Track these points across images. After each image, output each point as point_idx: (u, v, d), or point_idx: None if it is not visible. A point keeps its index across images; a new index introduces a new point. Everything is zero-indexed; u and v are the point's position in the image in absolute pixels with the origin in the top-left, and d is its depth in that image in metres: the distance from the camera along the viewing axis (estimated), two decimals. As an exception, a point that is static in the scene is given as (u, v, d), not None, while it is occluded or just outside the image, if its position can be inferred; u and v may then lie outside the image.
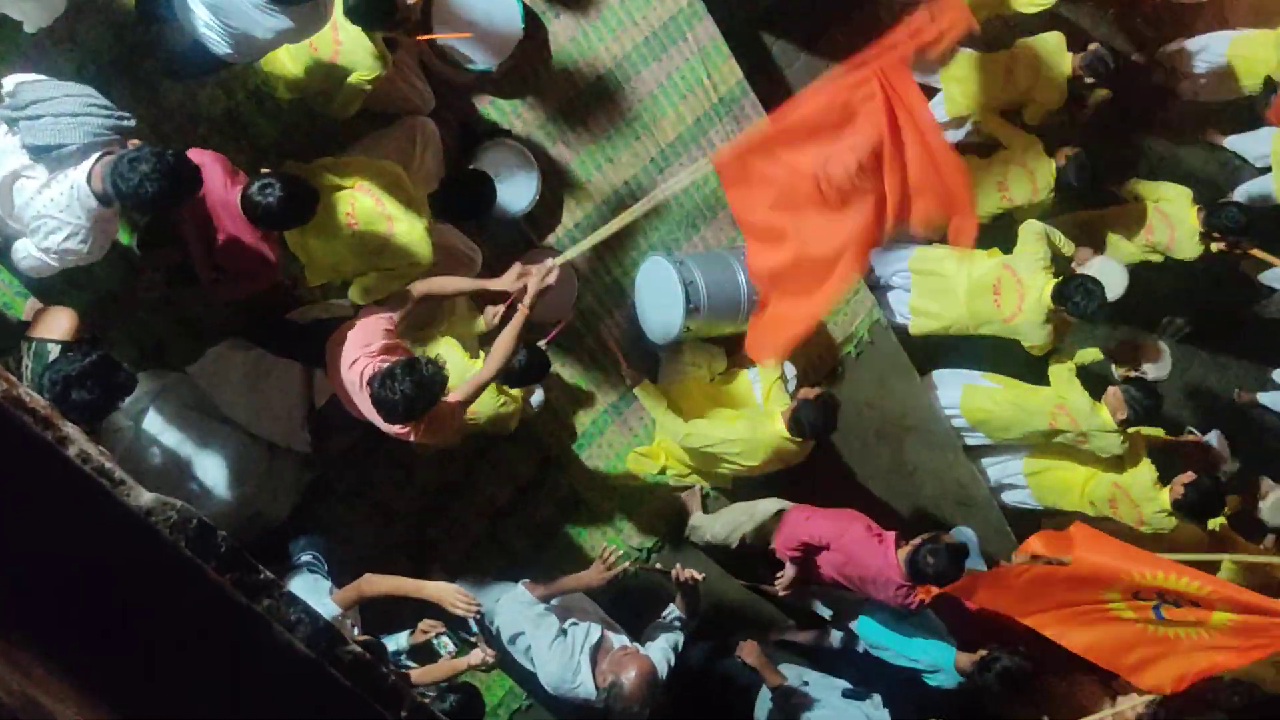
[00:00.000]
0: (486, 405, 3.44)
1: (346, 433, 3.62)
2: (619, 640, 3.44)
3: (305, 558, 3.34)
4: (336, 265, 3.48)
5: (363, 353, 2.93)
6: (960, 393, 4.71)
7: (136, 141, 2.74)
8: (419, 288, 3.11)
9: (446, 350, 3.45)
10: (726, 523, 4.13)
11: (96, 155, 2.61)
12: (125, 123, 2.65)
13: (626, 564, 3.48)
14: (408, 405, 2.76)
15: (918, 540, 3.60)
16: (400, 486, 3.89)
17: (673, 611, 3.63)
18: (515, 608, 3.39)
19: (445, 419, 2.97)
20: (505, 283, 3.06)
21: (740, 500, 4.29)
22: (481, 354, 3.51)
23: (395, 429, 2.93)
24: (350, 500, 3.81)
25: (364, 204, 3.29)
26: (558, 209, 4.11)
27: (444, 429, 2.99)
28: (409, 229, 3.30)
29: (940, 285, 4.63)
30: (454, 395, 2.99)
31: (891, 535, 3.70)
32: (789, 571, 3.88)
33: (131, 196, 2.56)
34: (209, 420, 3.29)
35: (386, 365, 2.80)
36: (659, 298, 4.10)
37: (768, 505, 4.07)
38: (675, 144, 4.35)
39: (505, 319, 3.28)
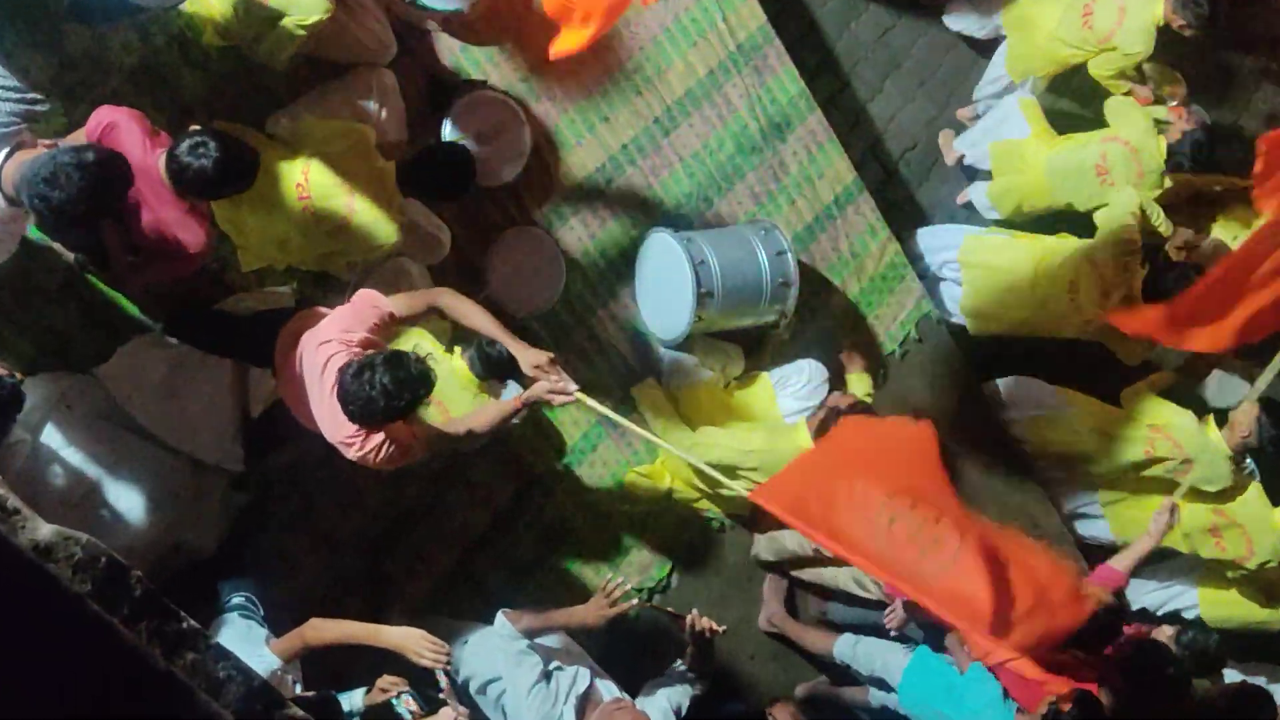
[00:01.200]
0: (458, 407, 3.44)
1: (287, 447, 3.61)
2: (610, 692, 3.43)
3: (237, 599, 3.34)
4: (281, 246, 3.47)
5: (339, 335, 2.92)
6: (1031, 418, 4.69)
7: (47, 143, 2.74)
8: (441, 300, 3.10)
9: (420, 341, 3.46)
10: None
11: (6, 151, 2.63)
12: (37, 108, 2.67)
13: (634, 601, 3.47)
14: (387, 404, 2.76)
15: None
16: (352, 512, 3.89)
17: (681, 669, 3.61)
18: (491, 644, 3.37)
19: (403, 446, 2.97)
20: (525, 363, 3.06)
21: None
22: (457, 350, 3.53)
23: (345, 435, 2.91)
24: (292, 529, 3.80)
25: (319, 174, 3.28)
26: (543, 178, 4.10)
27: (397, 456, 2.98)
28: (372, 206, 3.28)
29: (998, 281, 4.62)
30: (421, 428, 3.00)
31: None
32: (899, 610, 3.88)
33: (51, 217, 2.59)
34: (121, 432, 3.28)
35: (369, 357, 2.80)
36: (663, 283, 4.09)
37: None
38: (684, 100, 4.34)
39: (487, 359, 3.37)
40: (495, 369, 3.41)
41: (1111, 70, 4.71)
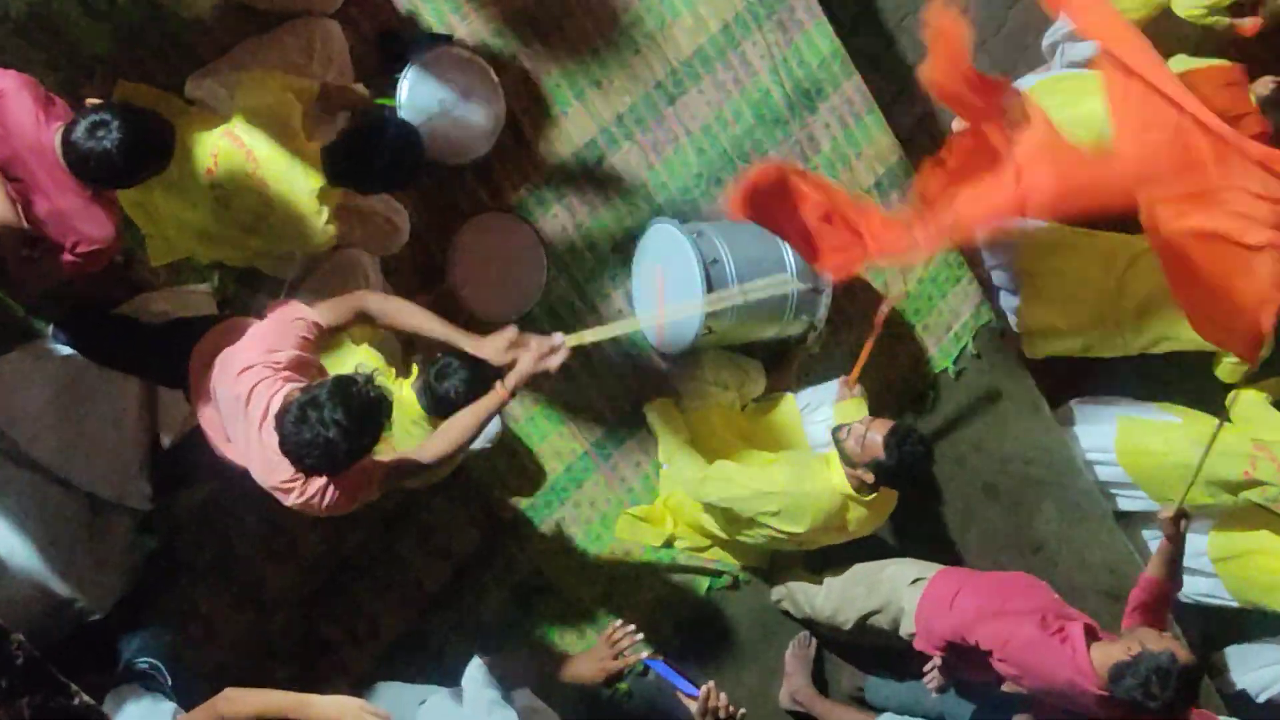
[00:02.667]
0: (407, 445, 3.44)
1: (205, 482, 3.62)
2: None
3: (140, 666, 3.35)
4: (201, 237, 3.48)
5: (264, 360, 2.93)
6: (1116, 428, 4.72)
7: None
8: (371, 304, 3.12)
9: (364, 362, 3.45)
10: (836, 594, 4.20)
11: None
12: None
13: (643, 654, 3.46)
14: (350, 445, 2.76)
15: (1124, 655, 3.56)
16: (282, 563, 3.91)
17: None
18: (455, 700, 3.36)
19: (359, 485, 2.99)
20: (491, 351, 3.10)
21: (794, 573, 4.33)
22: (410, 375, 3.54)
23: (281, 479, 2.94)
24: (209, 582, 3.82)
25: (229, 153, 3.30)
26: (520, 155, 4.14)
27: (345, 501, 3.00)
28: (291, 195, 3.30)
29: (1064, 289, 4.68)
30: (381, 458, 3.02)
31: (1078, 629, 3.70)
32: (936, 675, 3.92)
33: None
34: (2, 461, 3.29)
35: (306, 393, 2.80)
36: (667, 285, 4.12)
37: (901, 571, 4.12)
38: (693, 61, 4.37)
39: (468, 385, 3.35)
40: (441, 408, 3.38)
41: (1200, 6, 4.74)
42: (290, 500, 2.98)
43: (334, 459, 2.79)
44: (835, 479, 3.90)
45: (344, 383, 2.78)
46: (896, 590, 4.06)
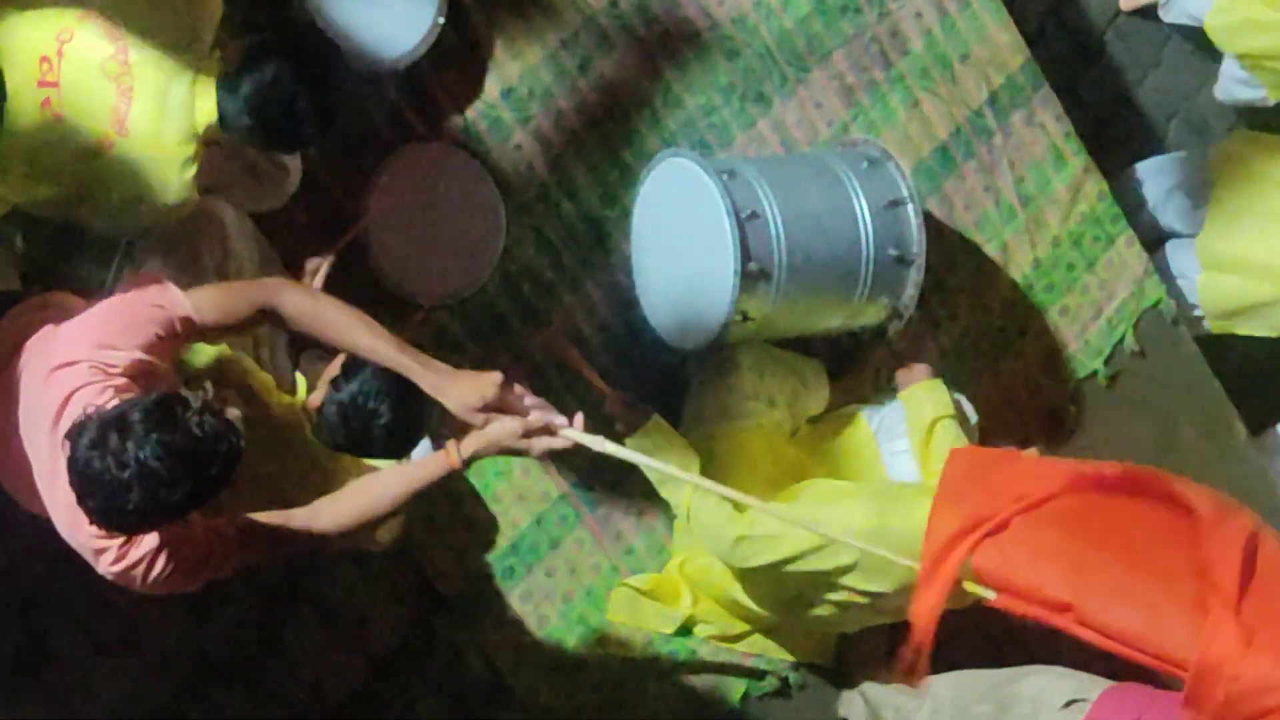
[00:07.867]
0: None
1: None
2: None
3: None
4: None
5: (92, 356, 2.91)
6: None
7: None
8: (288, 300, 3.07)
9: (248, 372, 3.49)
10: (946, 714, 4.22)
11: None
12: None
13: None
14: (145, 499, 2.72)
15: None
16: (114, 656, 3.92)
17: None
18: None
19: (205, 553, 3.00)
20: (458, 400, 3.09)
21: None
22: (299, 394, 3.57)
23: (90, 537, 2.95)
24: (7, 686, 3.84)
25: (90, 46, 3.30)
26: (468, 59, 4.16)
27: (180, 576, 3.01)
28: (155, 132, 3.31)
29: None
30: (231, 520, 3.04)
31: None
32: None
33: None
34: None
35: (116, 406, 2.78)
36: (682, 248, 4.14)
37: (1047, 686, 4.10)
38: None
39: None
40: (360, 441, 3.41)
41: None
42: (104, 566, 2.97)
43: (121, 514, 2.75)
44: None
45: (166, 406, 2.73)
46: (1041, 715, 4.06)
